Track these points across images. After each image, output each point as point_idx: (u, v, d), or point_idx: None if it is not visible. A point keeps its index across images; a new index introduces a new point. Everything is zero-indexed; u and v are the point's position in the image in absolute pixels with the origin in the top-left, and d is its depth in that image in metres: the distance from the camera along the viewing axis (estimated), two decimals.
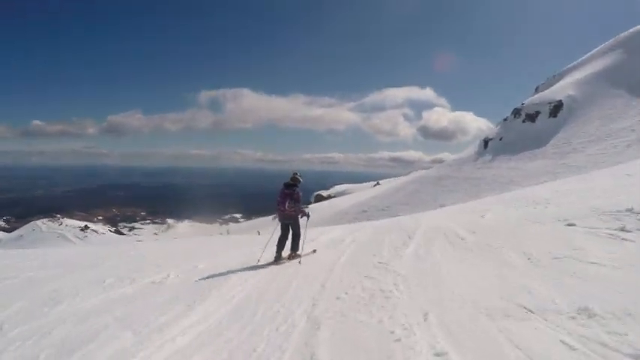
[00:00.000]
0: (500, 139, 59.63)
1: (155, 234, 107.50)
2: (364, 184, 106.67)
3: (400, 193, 56.48)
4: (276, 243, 9.52)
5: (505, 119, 65.36)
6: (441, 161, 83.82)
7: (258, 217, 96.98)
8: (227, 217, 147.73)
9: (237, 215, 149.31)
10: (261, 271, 8.45)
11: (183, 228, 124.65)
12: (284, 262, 9.13)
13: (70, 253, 16.57)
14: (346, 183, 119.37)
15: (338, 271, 7.41)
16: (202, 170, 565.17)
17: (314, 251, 9.92)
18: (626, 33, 65.44)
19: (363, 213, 51.98)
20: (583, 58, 71.76)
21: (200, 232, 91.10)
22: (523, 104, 62.85)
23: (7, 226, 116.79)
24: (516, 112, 62.74)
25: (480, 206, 16.00)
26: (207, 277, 8.17)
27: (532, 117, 58.21)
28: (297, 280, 7.20)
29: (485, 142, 62.07)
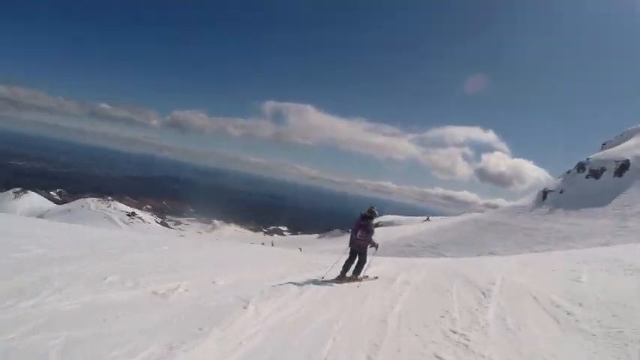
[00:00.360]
0: (561, 192, 56.49)
1: (199, 232, 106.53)
2: (414, 217, 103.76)
3: (450, 233, 54.01)
4: (342, 264, 10.06)
5: (568, 172, 62.19)
6: (494, 206, 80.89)
7: (304, 233, 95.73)
8: (273, 228, 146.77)
9: (283, 228, 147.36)
10: (293, 303, 6.69)
11: (229, 231, 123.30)
12: (343, 284, 9.23)
13: (109, 236, 15.81)
14: (396, 214, 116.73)
15: (392, 330, 5.40)
16: (257, 178, 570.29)
17: (376, 278, 10.13)
18: None
19: (409, 247, 49.95)
20: None
21: (244, 237, 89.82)
22: (588, 159, 60.11)
23: (58, 198, 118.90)
24: (580, 167, 59.79)
25: (545, 262, 13.42)
26: (220, 301, 6.44)
27: (596, 173, 55.43)
28: (335, 334, 5.21)
29: (545, 194, 58.80)
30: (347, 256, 10.10)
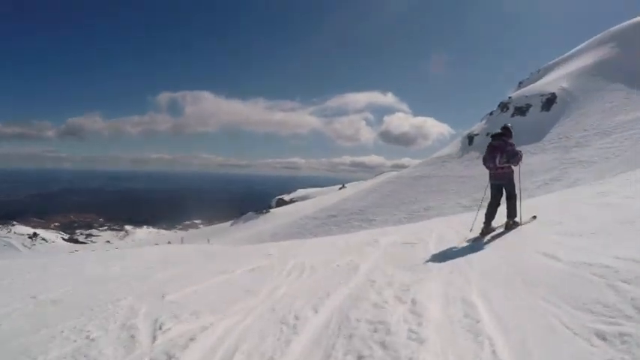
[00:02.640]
0: (488, 135, 53.68)
1: (108, 242, 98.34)
2: (328, 187, 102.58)
3: (374, 195, 50.80)
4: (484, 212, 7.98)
5: (490, 114, 62.11)
6: (402, 166, 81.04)
7: (219, 222, 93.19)
8: (187, 222, 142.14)
9: (197, 221, 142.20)
10: None
11: (142, 234, 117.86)
12: (496, 232, 7.53)
13: None
14: (308, 187, 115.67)
15: None
16: (163, 175, 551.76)
17: (534, 217, 8.01)
18: (618, 26, 63.85)
19: (332, 218, 46.04)
20: (571, 52, 70.06)
21: (159, 239, 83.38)
22: (510, 98, 59.99)
23: None
24: (503, 106, 59.65)
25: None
26: None
27: (522, 110, 54.92)
28: None
29: (470, 139, 57.26)
30: (489, 200, 8.01)
